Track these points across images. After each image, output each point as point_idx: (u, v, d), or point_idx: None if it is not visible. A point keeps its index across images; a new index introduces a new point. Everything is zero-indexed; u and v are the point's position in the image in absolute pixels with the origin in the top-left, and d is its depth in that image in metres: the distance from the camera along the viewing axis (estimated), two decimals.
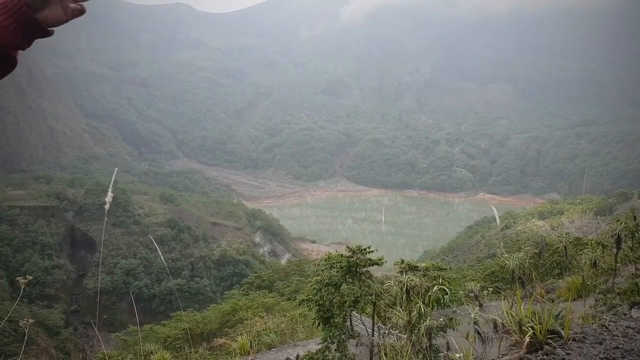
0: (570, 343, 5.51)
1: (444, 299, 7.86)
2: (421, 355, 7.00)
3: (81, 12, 1.97)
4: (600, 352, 5.26)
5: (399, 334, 8.82)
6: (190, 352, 16.00)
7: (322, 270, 10.22)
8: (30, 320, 4.35)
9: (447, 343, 7.00)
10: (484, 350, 6.52)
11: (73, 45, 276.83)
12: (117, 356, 17.02)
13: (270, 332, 14.79)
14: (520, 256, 12.13)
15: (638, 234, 12.01)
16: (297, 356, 10.43)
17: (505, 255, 13.22)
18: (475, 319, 6.68)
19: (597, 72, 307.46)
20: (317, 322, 9.95)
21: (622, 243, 12.13)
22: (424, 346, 7.03)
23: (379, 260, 9.79)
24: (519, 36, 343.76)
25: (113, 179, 8.59)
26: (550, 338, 5.56)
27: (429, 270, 9.32)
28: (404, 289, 7.59)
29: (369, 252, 9.90)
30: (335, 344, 9.37)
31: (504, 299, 10.24)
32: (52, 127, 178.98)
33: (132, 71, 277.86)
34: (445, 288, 7.83)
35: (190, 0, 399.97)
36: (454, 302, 9.12)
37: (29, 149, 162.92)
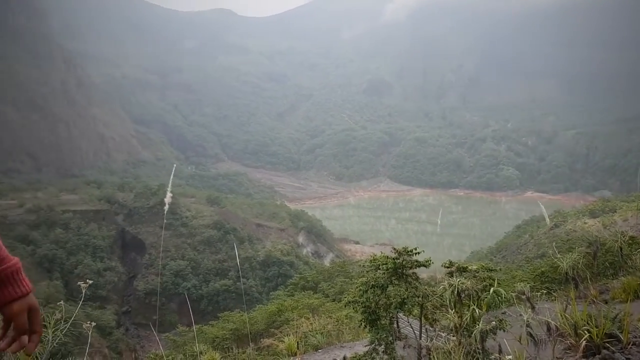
0: (630, 347, 5.29)
1: (497, 301, 7.69)
2: (472, 358, 6.87)
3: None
4: None
5: (447, 336, 8.69)
6: (238, 353, 16.22)
7: (368, 272, 10.17)
8: (93, 323, 4.49)
9: (499, 345, 6.84)
10: (537, 353, 6.34)
11: (121, 55, 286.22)
12: (167, 356, 17.41)
13: (317, 333, 14.82)
14: (574, 257, 11.74)
15: None
16: (344, 358, 10.42)
17: (558, 255, 12.83)
18: (528, 321, 6.50)
19: None
20: (363, 323, 9.92)
21: None
22: (475, 349, 6.89)
23: (426, 261, 9.68)
24: (564, 30, 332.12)
25: (171, 178, 8.78)
26: (608, 342, 5.35)
27: (478, 272, 9.15)
28: (456, 292, 7.47)
29: (416, 254, 9.80)
30: (382, 346, 9.31)
31: (557, 301, 9.93)
32: (102, 133, 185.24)
33: (177, 77, 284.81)
34: (499, 290, 7.66)
35: (232, 5, 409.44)
36: (503, 303, 8.92)
37: (81, 154, 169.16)
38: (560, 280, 13.20)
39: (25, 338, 1.93)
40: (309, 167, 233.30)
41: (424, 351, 8.73)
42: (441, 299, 8.58)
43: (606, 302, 12.45)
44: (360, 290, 9.77)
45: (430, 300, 9.38)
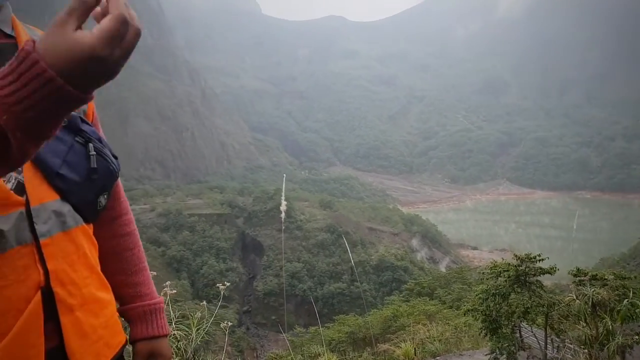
0: None
1: (632, 313, 7.15)
2: None
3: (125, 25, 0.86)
4: None
5: (576, 349, 8.22)
6: (355, 357, 16.42)
7: (488, 279, 9.91)
8: (230, 323, 4.84)
9: None
10: None
11: (239, 66, 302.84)
12: (286, 356, 18.04)
13: (434, 340, 14.61)
14: None
15: None
16: None
17: None
18: None
19: None
20: (483, 332, 9.68)
21: None
22: None
23: (551, 269, 9.24)
24: None
25: (284, 186, 9.28)
26: None
27: (609, 280, 8.55)
28: (590, 303, 7.06)
29: (539, 260, 9.38)
30: (504, 356, 9.02)
31: None
32: (223, 141, 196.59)
33: (291, 85, 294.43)
34: (636, 302, 7.11)
35: (343, 11, 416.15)
36: None
37: (204, 162, 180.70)
38: None
39: None
40: (422, 170, 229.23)
41: None
42: (568, 308, 8.14)
43: None
44: (480, 298, 9.55)
45: (557, 310, 8.92)
